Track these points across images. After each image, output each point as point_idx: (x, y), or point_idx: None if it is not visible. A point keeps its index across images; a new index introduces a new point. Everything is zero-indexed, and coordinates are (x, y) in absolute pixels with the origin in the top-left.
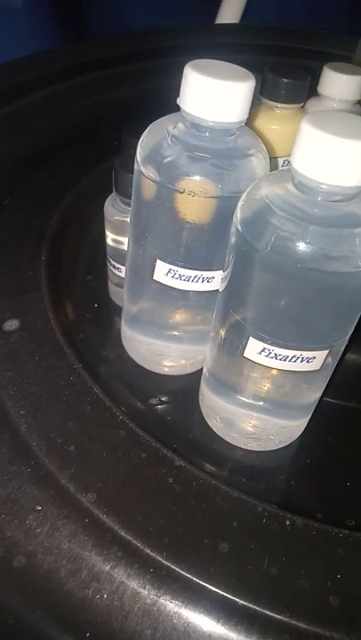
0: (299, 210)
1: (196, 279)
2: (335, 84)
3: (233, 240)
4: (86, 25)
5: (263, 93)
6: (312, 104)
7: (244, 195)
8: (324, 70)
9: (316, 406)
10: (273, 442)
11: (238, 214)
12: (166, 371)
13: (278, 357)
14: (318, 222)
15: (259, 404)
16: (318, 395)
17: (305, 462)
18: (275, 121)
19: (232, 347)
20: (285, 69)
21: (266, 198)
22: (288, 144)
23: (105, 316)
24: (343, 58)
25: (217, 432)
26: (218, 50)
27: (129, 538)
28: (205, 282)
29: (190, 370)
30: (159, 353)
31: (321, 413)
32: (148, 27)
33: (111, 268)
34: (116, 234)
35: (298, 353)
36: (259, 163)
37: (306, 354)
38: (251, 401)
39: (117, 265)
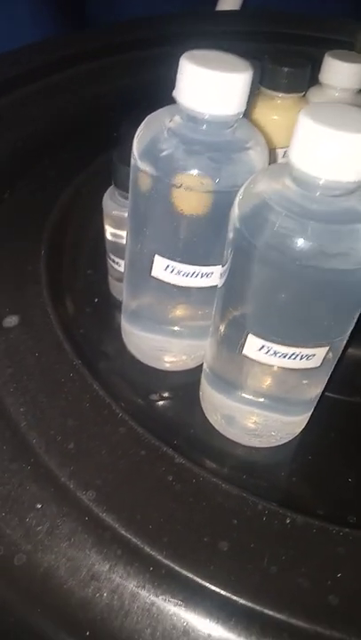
0: (297, 205)
1: (194, 275)
2: (337, 72)
3: (231, 235)
4: (86, 11)
5: (263, 83)
6: (313, 93)
7: (242, 190)
8: (326, 58)
9: (318, 402)
10: (274, 438)
11: (236, 210)
12: (167, 366)
13: (278, 355)
14: (317, 218)
15: (259, 401)
16: (320, 390)
17: (306, 459)
18: (275, 111)
19: (231, 343)
20: (286, 58)
21: (264, 194)
22: (289, 134)
23: (105, 310)
24: (346, 43)
25: (218, 428)
26: (218, 37)
27: (128, 536)
28: (205, 277)
29: (191, 365)
30: (160, 348)
31: (323, 409)
32: (148, 14)
33: (111, 262)
34: (116, 228)
35: (298, 350)
36: (257, 156)
37: (306, 351)
38: (251, 397)
39: (117, 259)
